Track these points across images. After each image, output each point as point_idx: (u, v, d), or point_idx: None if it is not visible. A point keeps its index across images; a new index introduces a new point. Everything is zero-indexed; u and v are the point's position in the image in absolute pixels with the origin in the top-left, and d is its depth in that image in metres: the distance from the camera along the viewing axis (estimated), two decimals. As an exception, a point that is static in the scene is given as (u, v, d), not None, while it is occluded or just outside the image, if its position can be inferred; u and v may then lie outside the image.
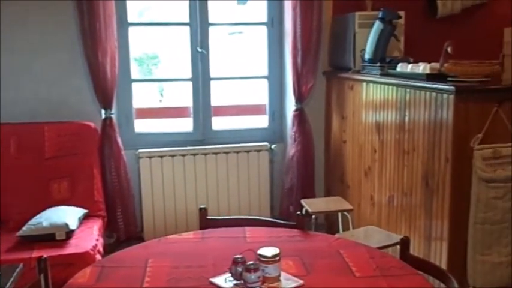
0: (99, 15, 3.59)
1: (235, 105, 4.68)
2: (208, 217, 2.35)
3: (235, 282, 1.71)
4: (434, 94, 2.67)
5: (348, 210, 3.48)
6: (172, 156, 3.95)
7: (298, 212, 2.35)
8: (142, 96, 4.46)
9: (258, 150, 4.10)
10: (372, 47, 3.48)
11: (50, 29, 3.72)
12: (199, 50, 4.06)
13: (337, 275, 1.82)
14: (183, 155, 3.97)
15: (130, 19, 3.96)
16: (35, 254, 2.80)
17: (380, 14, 3.47)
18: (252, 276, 1.67)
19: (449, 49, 2.67)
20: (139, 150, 3.93)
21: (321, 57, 4.06)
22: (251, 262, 1.69)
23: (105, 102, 3.75)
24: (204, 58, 4.08)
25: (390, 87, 3.15)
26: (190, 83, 4.13)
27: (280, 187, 4.19)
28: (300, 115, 4.05)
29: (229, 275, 1.73)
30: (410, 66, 3.06)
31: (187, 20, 4.04)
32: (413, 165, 2.93)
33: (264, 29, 4.22)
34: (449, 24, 4.15)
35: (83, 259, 2.82)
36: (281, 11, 4.09)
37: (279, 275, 1.73)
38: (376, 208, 3.42)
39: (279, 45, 4.21)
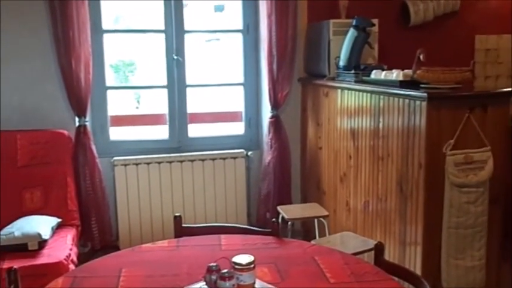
0: (72, 22, 3.56)
1: (212, 112, 4.68)
2: (183, 225, 2.34)
3: (209, 290, 1.70)
4: (407, 101, 2.71)
5: (324, 217, 3.49)
6: (148, 163, 3.92)
7: (273, 219, 2.34)
8: (119, 103, 4.43)
9: (235, 157, 4.10)
10: (346, 54, 3.52)
11: (23, 36, 3.67)
12: (175, 57, 4.05)
13: (312, 281, 1.82)
14: (159, 163, 3.95)
15: (105, 26, 3.93)
16: (6, 264, 2.74)
17: (354, 22, 3.51)
18: (227, 284, 1.66)
19: (421, 56, 2.71)
20: (115, 158, 3.90)
21: (296, 64, 4.09)
22: (226, 270, 1.68)
23: (79, 110, 3.71)
24: (179, 65, 4.07)
25: (364, 94, 3.18)
26: (165, 90, 4.11)
27: (257, 194, 4.19)
28: (276, 122, 4.06)
29: (204, 283, 1.72)
30: (384, 73, 3.10)
31: (162, 27, 4.03)
32: (387, 171, 2.96)
33: (239, 36, 4.23)
34: (421, 32, 4.23)
35: (56, 269, 2.77)
36: (256, 18, 4.11)
37: (254, 283, 1.72)
38: (352, 214, 3.44)
39: (254, 52, 4.22)
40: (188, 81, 4.13)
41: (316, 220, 3.56)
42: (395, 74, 2.95)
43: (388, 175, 2.95)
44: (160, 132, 4.21)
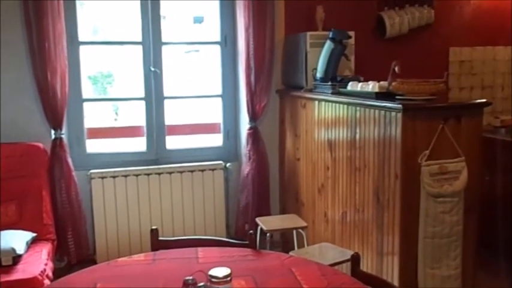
0: (48, 34, 3.52)
1: (190, 124, 4.66)
2: (160, 238, 2.32)
3: (186, 304, 1.68)
4: (383, 112, 2.74)
5: (303, 228, 3.49)
6: (125, 176, 3.89)
7: (251, 231, 2.34)
8: (97, 115, 4.39)
9: (213, 169, 4.09)
10: (323, 66, 3.55)
11: (-3, 47, 3.63)
12: (152, 69, 4.03)
13: (289, 293, 1.82)
14: (137, 175, 3.91)
15: (81, 38, 3.90)
16: (-21, 281, 2.69)
17: (331, 34, 3.55)
18: (203, 298, 1.65)
19: (396, 68, 2.75)
20: (91, 171, 3.85)
21: (274, 75, 4.11)
22: (202, 283, 1.67)
23: (55, 123, 3.66)
24: (157, 77, 4.06)
25: (341, 105, 3.21)
26: (143, 102, 4.09)
27: (236, 206, 4.18)
28: (254, 133, 4.06)
29: (180, 297, 1.71)
30: (360, 84, 3.13)
31: (140, 39, 4.02)
32: (364, 182, 2.98)
33: (218, 48, 4.24)
34: (397, 44, 4.29)
35: (30, 285, 2.74)
36: (234, 30, 4.13)
37: (231, 296, 1.72)
38: (330, 225, 3.45)
39: (232, 64, 4.23)
40: (166, 93, 4.11)
41: (294, 231, 3.56)
42: (371, 86, 2.98)
43: (365, 186, 2.97)
44: (138, 145, 4.17)
